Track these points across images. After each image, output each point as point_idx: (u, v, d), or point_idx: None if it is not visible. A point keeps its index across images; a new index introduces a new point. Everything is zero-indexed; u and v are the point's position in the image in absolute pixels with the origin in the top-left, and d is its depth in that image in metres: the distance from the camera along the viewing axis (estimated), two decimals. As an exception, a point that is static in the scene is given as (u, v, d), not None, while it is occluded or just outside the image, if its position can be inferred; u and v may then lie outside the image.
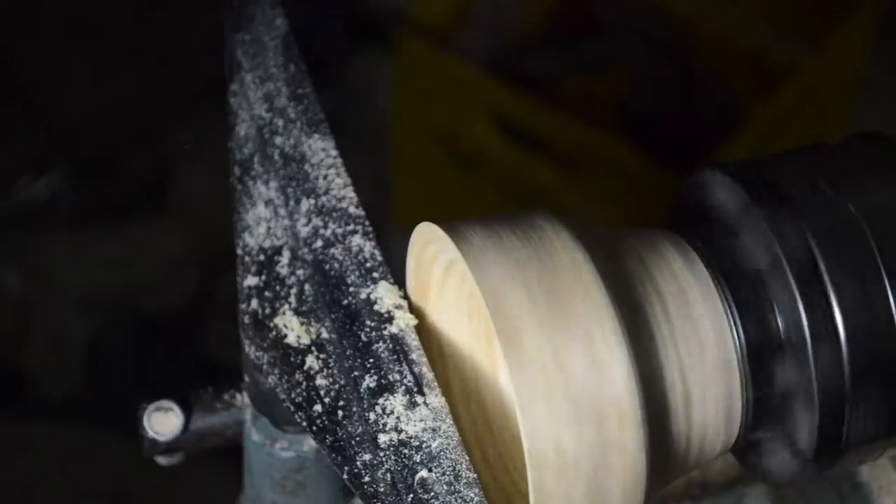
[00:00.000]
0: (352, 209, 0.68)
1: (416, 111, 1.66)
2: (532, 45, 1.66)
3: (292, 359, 0.65)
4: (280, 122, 0.72)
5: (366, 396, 0.62)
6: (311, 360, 0.64)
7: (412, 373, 0.62)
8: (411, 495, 0.60)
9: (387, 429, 0.61)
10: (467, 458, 0.61)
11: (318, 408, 0.63)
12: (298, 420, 0.64)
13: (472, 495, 0.59)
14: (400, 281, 0.66)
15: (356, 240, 0.67)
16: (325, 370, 0.64)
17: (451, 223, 0.62)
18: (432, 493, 0.60)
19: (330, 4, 1.73)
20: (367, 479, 0.61)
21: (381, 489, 0.61)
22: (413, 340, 0.63)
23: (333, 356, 0.64)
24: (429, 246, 0.64)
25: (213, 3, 0.79)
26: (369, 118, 1.76)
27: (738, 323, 0.62)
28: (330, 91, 1.69)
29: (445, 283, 0.65)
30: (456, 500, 0.59)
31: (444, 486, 0.60)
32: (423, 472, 0.60)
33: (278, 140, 0.71)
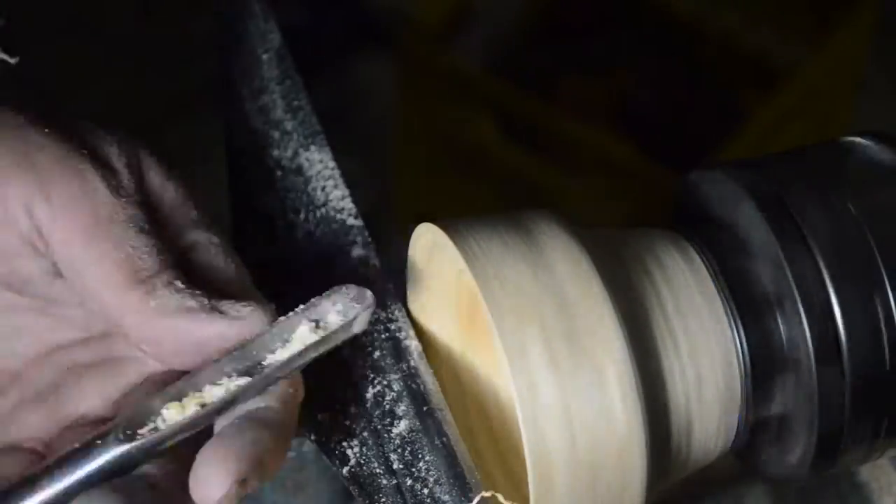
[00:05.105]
0: (350, 220, 0.68)
1: (417, 111, 1.66)
2: (532, 45, 1.66)
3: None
4: (276, 135, 0.72)
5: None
6: None
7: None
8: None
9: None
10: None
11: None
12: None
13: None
14: (401, 281, 0.66)
15: (356, 251, 0.67)
16: None
17: (452, 223, 0.62)
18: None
19: (330, 4, 1.73)
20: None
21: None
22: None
23: None
24: (429, 246, 0.64)
25: (208, 4, 0.79)
26: (369, 118, 1.75)
27: (740, 324, 0.62)
28: (330, 91, 1.69)
29: (446, 283, 0.65)
30: None
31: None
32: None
33: (275, 153, 0.71)
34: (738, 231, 0.63)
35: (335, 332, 0.59)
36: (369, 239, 0.68)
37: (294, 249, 0.69)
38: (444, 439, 0.61)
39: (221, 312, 0.59)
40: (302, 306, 0.60)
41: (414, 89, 1.64)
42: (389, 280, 0.67)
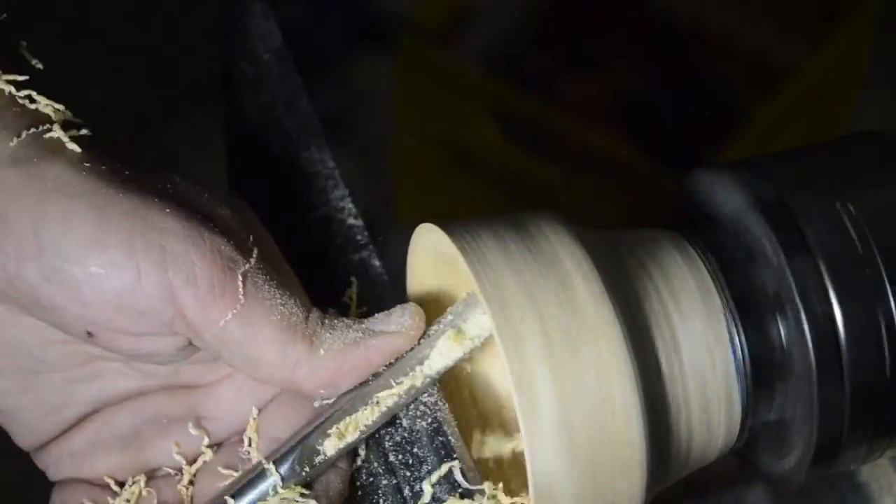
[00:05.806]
0: (350, 220, 0.68)
1: (416, 111, 1.66)
2: (532, 45, 1.66)
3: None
4: (276, 135, 0.72)
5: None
6: None
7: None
8: None
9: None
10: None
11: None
12: None
13: None
14: (401, 281, 0.66)
15: (356, 251, 0.68)
16: None
17: (452, 223, 0.62)
18: None
19: (330, 4, 1.73)
20: None
21: None
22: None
23: None
24: (429, 246, 0.64)
25: (206, 3, 0.79)
26: (369, 118, 1.75)
27: (740, 325, 0.62)
28: (330, 91, 1.68)
29: (445, 283, 0.65)
30: None
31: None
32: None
33: (275, 153, 0.71)
34: (738, 231, 0.63)
35: (476, 338, 0.61)
36: (369, 239, 0.68)
37: (294, 249, 0.69)
38: (444, 439, 0.61)
39: (379, 331, 0.60)
40: (449, 316, 0.61)
41: (414, 89, 1.64)
42: (389, 280, 0.67)
